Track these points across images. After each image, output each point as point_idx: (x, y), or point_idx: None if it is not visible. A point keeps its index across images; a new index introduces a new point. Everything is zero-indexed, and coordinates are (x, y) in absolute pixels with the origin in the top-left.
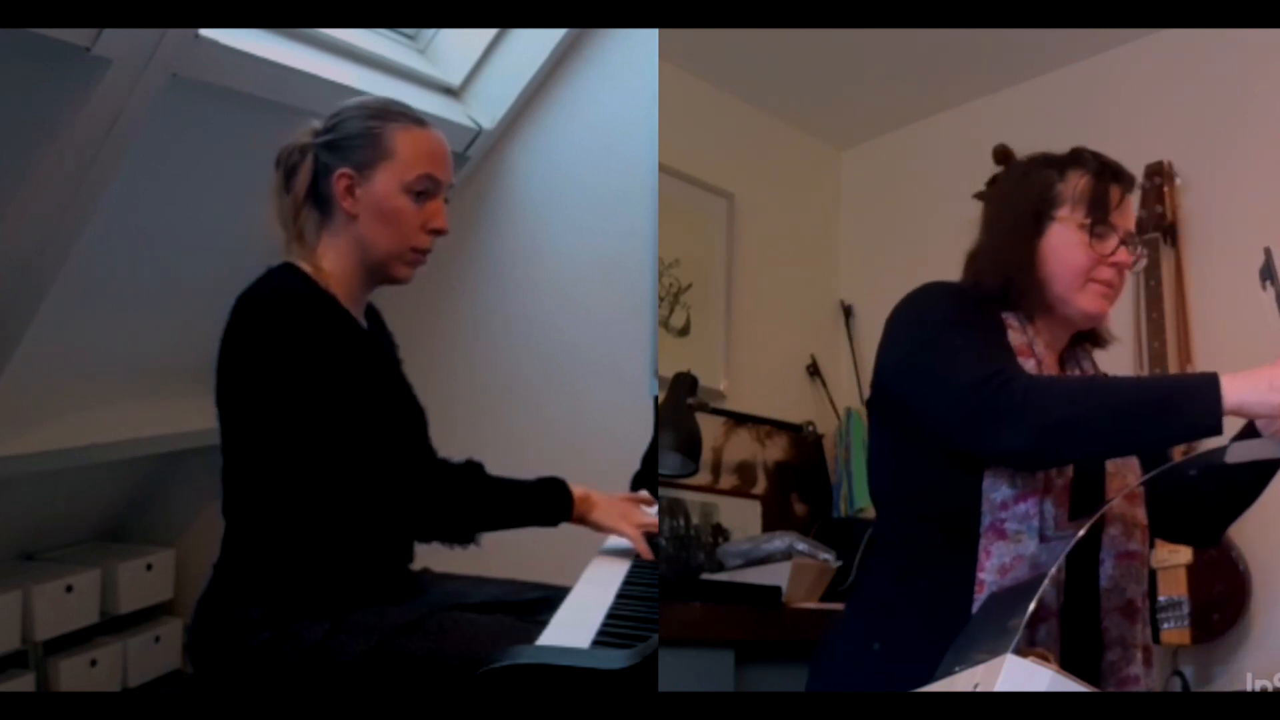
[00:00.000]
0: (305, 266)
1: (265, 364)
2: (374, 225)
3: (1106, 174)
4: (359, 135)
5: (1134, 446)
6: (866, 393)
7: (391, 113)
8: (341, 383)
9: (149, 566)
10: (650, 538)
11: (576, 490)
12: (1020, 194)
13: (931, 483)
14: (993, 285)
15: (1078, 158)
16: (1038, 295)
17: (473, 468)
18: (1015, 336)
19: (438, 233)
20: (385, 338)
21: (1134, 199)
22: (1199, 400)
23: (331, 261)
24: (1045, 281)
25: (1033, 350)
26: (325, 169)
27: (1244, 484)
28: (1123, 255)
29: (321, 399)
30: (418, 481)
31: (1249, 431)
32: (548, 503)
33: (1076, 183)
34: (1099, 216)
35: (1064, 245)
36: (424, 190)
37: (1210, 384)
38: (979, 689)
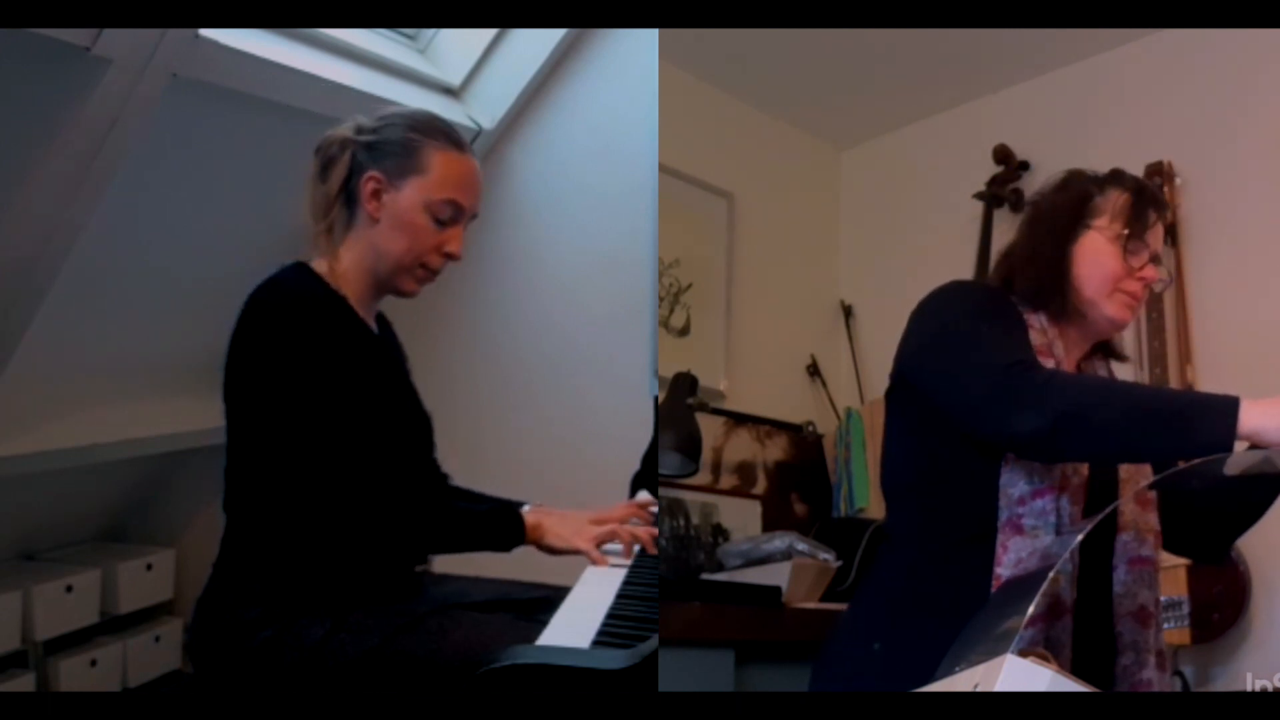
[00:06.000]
0: (319, 266)
1: (273, 362)
2: (391, 234)
3: (1146, 195)
4: (397, 143)
5: (1145, 450)
6: (867, 393)
7: (434, 129)
8: (346, 383)
9: (149, 566)
10: (652, 539)
11: (529, 519)
12: (1059, 200)
13: (948, 474)
14: (1025, 283)
15: (1117, 177)
16: (1068, 297)
17: (437, 491)
18: (1037, 337)
19: (450, 257)
20: (395, 345)
21: (1162, 227)
22: (1215, 416)
23: (348, 262)
24: (1076, 285)
25: (1053, 352)
26: (359, 168)
27: (1251, 499)
28: (1150, 272)
29: (326, 398)
30: (379, 508)
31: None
32: (499, 532)
33: (1116, 198)
34: (1136, 231)
35: (1099, 252)
36: (447, 214)
37: (1229, 404)
38: (979, 689)
